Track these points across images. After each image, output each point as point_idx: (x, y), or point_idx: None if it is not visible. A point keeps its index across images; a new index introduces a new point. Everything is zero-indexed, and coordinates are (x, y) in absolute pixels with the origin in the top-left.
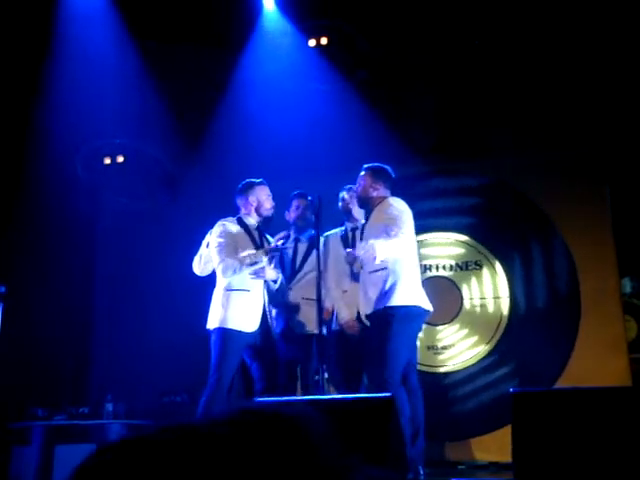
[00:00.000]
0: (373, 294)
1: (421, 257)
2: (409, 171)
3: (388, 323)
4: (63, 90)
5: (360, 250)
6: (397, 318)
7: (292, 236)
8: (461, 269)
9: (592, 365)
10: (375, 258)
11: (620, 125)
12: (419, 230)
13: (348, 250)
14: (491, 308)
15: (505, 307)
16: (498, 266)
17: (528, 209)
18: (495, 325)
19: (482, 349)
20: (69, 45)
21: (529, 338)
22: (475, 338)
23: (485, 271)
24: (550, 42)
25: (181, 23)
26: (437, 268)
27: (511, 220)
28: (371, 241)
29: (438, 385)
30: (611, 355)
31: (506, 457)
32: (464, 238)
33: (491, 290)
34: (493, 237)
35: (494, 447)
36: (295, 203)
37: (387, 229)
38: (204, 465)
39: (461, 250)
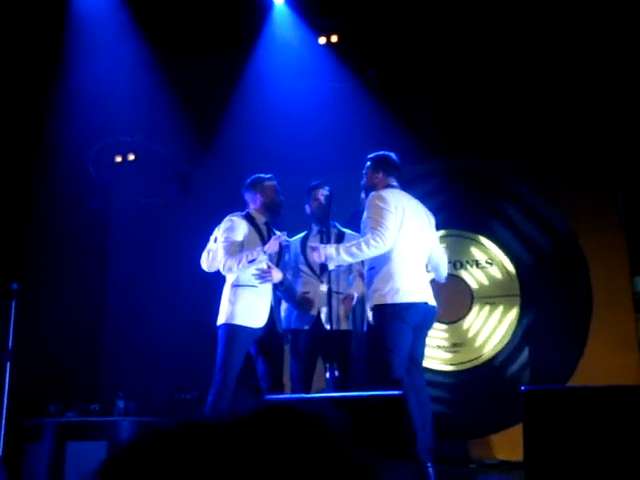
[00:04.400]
0: (367, 292)
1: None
2: (419, 169)
3: (378, 322)
4: (75, 89)
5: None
6: (384, 317)
7: (315, 229)
8: (471, 266)
9: (603, 364)
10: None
11: (632, 123)
12: (459, 225)
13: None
14: (502, 306)
15: (516, 306)
16: (509, 265)
17: (540, 208)
18: (506, 325)
19: (511, 318)
20: (81, 45)
21: (541, 336)
22: (500, 309)
23: (496, 269)
24: (564, 43)
25: (191, 20)
26: (456, 266)
27: (522, 219)
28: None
29: (450, 383)
30: (622, 354)
31: (517, 455)
32: (474, 236)
33: (502, 289)
34: (504, 236)
35: (505, 445)
36: (314, 194)
37: (365, 228)
38: (228, 460)
39: (472, 248)
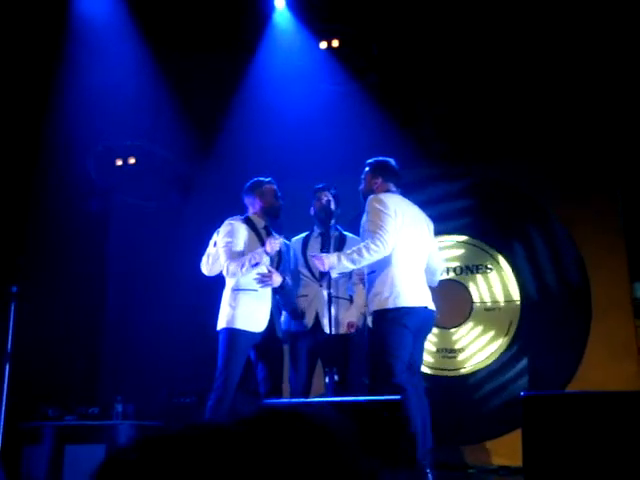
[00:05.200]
0: (368, 296)
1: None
2: (418, 174)
3: (379, 326)
4: (76, 91)
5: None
6: (386, 321)
7: (316, 231)
8: (472, 272)
9: (603, 369)
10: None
11: (632, 129)
12: (451, 228)
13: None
14: (502, 310)
15: (516, 311)
16: (509, 270)
17: (539, 213)
18: (507, 323)
19: (500, 343)
20: (83, 48)
21: (540, 342)
22: (492, 333)
23: (495, 275)
24: (563, 46)
25: (193, 23)
26: (447, 271)
27: (521, 223)
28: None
29: (450, 388)
30: (622, 359)
31: (516, 461)
32: (474, 241)
33: (502, 294)
34: (503, 242)
35: (504, 451)
36: (318, 196)
37: (364, 231)
38: (232, 464)
39: (470, 254)
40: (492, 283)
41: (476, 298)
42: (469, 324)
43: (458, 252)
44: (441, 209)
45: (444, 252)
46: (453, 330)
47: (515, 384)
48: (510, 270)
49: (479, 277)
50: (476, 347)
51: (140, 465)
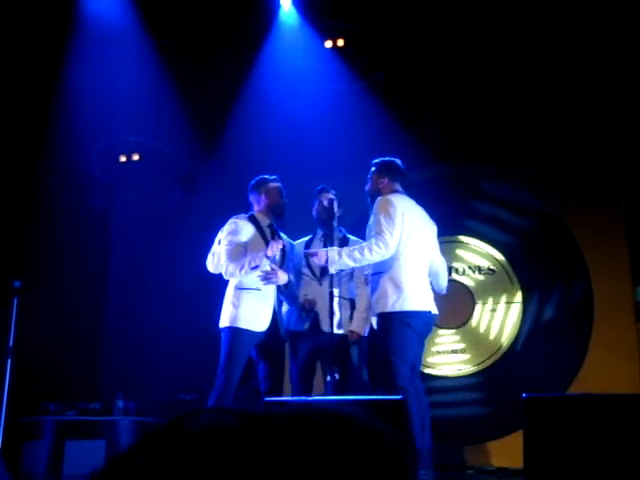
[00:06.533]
0: (372, 298)
1: (454, 257)
2: (428, 173)
3: (384, 328)
4: (80, 87)
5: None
6: (392, 323)
7: (319, 233)
8: (474, 272)
9: (605, 372)
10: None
11: (636, 135)
12: (459, 230)
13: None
14: (499, 318)
15: (515, 313)
16: (509, 268)
17: (546, 220)
18: (486, 356)
19: (468, 369)
20: (87, 44)
21: (542, 344)
22: (466, 356)
23: (497, 274)
24: (568, 49)
25: (199, 22)
26: (459, 272)
27: (554, 276)
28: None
29: (449, 388)
30: (624, 362)
31: (515, 463)
32: (506, 264)
33: (504, 295)
34: (530, 281)
35: (503, 452)
36: (319, 198)
37: (371, 232)
38: (244, 461)
39: (482, 259)
40: (498, 307)
41: (476, 315)
42: (457, 336)
43: (485, 263)
44: (499, 213)
45: (474, 257)
46: (441, 332)
47: (515, 390)
48: (517, 280)
49: (490, 297)
50: (445, 359)
51: (146, 463)
